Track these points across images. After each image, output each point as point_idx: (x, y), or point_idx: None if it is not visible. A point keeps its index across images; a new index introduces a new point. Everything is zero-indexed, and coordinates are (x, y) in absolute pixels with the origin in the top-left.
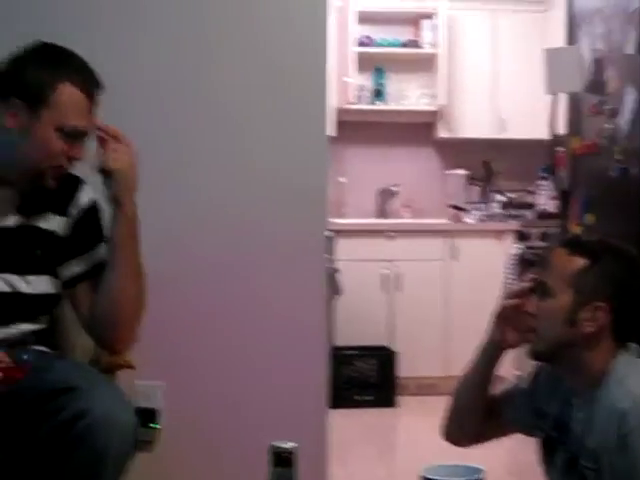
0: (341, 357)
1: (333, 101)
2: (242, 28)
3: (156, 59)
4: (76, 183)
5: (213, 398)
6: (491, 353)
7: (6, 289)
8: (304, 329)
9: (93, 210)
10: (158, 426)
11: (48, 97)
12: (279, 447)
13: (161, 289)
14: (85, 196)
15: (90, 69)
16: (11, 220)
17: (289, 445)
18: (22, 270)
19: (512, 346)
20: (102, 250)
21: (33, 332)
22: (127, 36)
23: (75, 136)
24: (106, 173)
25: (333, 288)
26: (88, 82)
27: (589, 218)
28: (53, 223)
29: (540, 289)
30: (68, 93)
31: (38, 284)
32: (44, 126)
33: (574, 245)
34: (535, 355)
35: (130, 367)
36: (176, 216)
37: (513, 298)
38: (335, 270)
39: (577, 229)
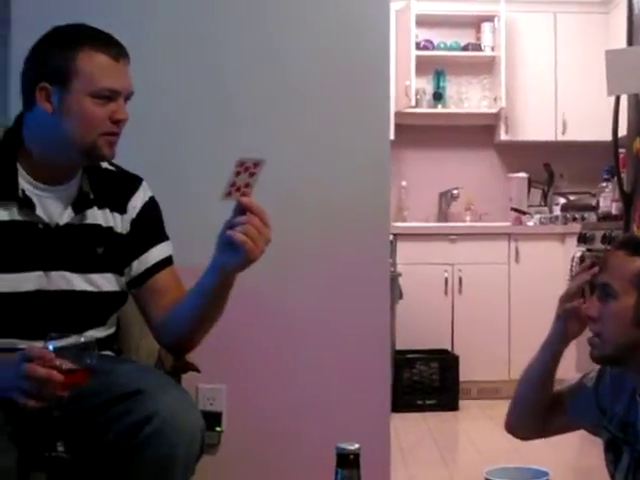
0: (403, 361)
1: (393, 105)
2: (306, 33)
3: (215, 65)
4: (134, 181)
5: (277, 401)
6: (554, 346)
7: (65, 287)
8: (368, 333)
9: (151, 207)
10: (222, 429)
11: (72, 68)
12: (344, 448)
13: None
14: (143, 194)
15: (107, 33)
16: (68, 217)
17: (354, 446)
18: (83, 269)
19: (575, 336)
20: (164, 247)
21: (98, 339)
22: (195, 41)
23: (110, 98)
24: (238, 248)
25: (395, 292)
26: (107, 44)
27: None
28: (111, 220)
29: (602, 292)
30: (90, 58)
31: (101, 282)
32: (77, 97)
33: (634, 246)
34: (602, 359)
35: (195, 370)
36: None
37: (571, 298)
38: (397, 274)
39: None
